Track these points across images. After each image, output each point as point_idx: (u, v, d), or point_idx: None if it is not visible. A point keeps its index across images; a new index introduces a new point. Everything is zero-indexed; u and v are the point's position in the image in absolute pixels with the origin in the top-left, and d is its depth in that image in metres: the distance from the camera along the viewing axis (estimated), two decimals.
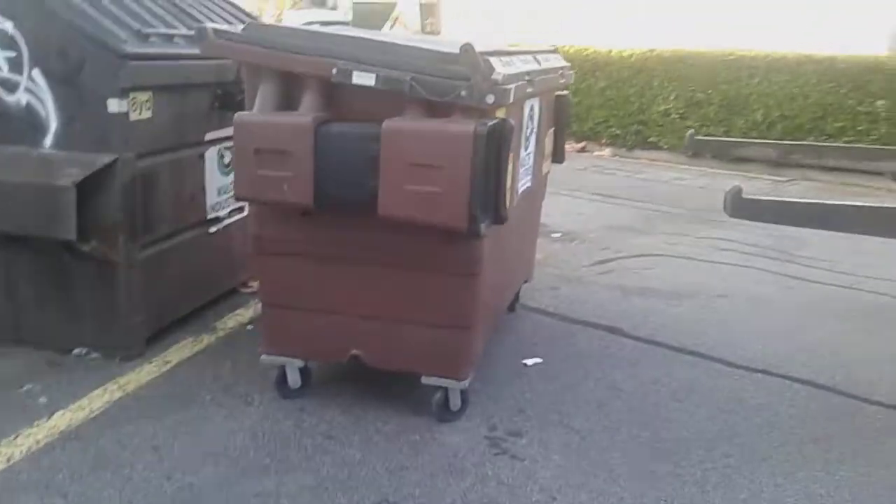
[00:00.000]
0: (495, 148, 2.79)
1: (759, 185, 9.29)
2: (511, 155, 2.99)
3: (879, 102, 9.49)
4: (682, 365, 3.87)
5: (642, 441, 3.13)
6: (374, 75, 2.83)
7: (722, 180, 9.53)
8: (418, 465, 2.89)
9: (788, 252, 6.15)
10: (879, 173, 7.26)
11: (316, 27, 3.37)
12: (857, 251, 6.04)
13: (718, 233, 6.80)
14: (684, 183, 9.37)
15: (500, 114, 2.92)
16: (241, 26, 3.20)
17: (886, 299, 5.05)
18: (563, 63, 4.30)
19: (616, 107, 11.46)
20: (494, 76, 2.75)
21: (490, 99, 2.73)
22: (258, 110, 2.98)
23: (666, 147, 11.13)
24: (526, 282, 4.48)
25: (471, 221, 2.76)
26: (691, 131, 4.41)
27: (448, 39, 4.01)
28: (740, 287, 5.23)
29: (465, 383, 3.18)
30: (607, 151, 11.32)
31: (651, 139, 11.26)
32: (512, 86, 2.88)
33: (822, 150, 5.80)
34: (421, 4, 17.71)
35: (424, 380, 3.17)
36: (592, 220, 6.93)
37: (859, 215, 3.26)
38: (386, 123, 2.79)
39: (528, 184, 3.76)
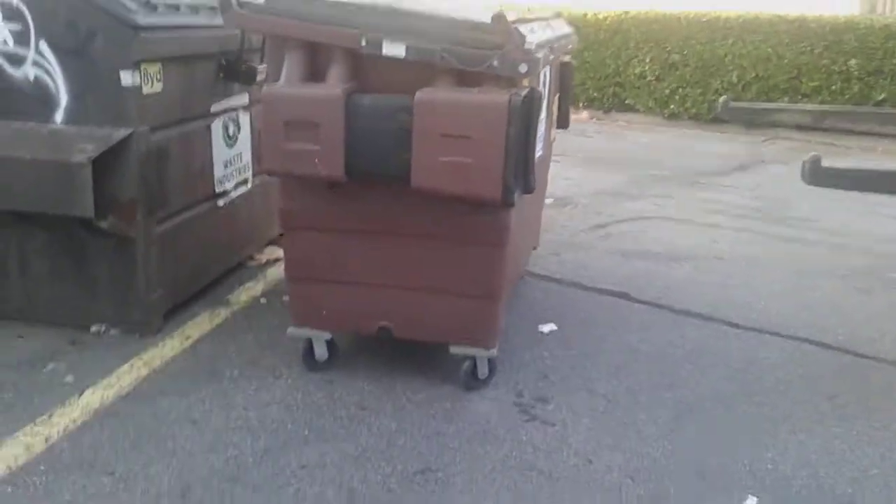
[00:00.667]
0: (527, 117, 2.82)
1: (735, 147, 9.46)
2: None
3: (852, 62, 9.66)
4: (692, 327, 3.98)
5: (665, 402, 3.22)
6: (404, 46, 2.82)
7: (700, 142, 9.72)
8: (454, 433, 2.96)
9: (777, 213, 6.29)
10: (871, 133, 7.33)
11: None
12: (842, 210, 6.21)
13: (705, 195, 6.93)
14: (664, 145, 9.48)
15: (526, 82, 2.95)
16: None
17: (876, 258, 5.20)
18: (569, 29, 4.32)
19: (592, 69, 11.50)
20: (527, 45, 2.77)
21: (523, 68, 2.75)
22: (285, 82, 2.96)
23: (642, 109, 11.23)
24: (534, 249, 4.54)
25: (505, 191, 2.79)
26: (724, 97, 4.40)
27: (459, 5, 3.99)
28: (735, 249, 5.35)
29: (494, 351, 3.24)
30: (585, 114, 11.37)
31: (628, 101, 11.34)
32: (541, 54, 2.90)
33: (856, 114, 5.90)
34: None
35: (453, 349, 3.23)
36: (581, 185, 7.00)
37: None
38: (418, 94, 2.79)
39: (541, 151, 3.79)
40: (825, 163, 3.11)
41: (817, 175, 3.15)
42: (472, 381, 3.27)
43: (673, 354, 3.66)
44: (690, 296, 4.39)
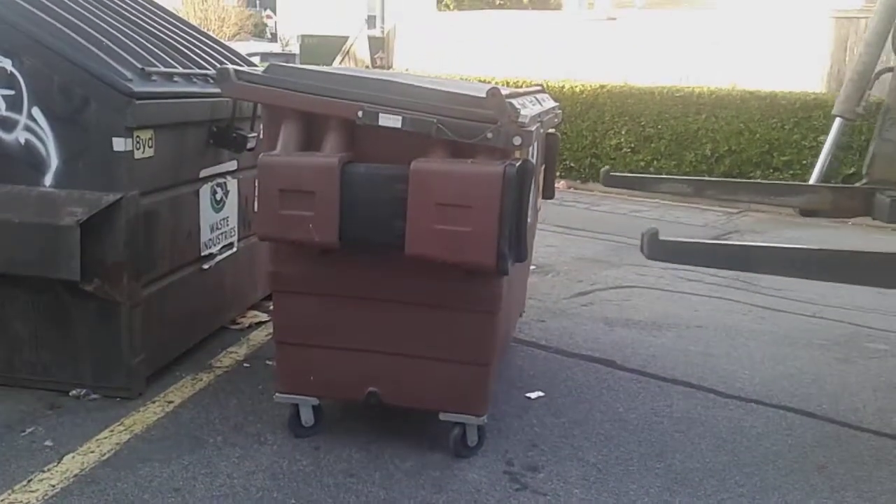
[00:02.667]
0: (520, 187, 2.87)
1: (710, 217, 9.63)
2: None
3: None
4: (678, 396, 3.99)
5: (656, 472, 3.21)
6: (400, 117, 2.88)
7: (675, 212, 9.86)
8: (444, 503, 2.91)
9: (752, 283, 6.37)
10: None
11: (337, 69, 3.40)
12: (816, 281, 6.30)
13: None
14: (641, 215, 9.62)
15: (518, 154, 3.01)
16: (261, 67, 3.21)
17: (853, 328, 5.28)
18: (555, 103, 4.42)
19: (570, 140, 11.71)
20: (521, 119, 2.84)
21: (517, 141, 2.81)
22: (282, 151, 3.00)
23: None
24: (520, 315, 4.56)
25: (499, 259, 2.82)
26: (605, 168, 4.62)
27: (452, 82, 4.08)
28: (714, 318, 5.40)
29: (483, 419, 3.22)
30: (562, 184, 11.53)
31: None
32: (534, 128, 2.98)
33: (735, 186, 6.04)
34: (370, 38, 17.89)
35: (442, 416, 3.20)
36: (562, 253, 7.07)
37: (772, 257, 3.31)
38: (414, 164, 2.84)
39: (529, 220, 3.84)
40: (662, 236, 3.15)
41: (654, 248, 3.18)
42: (462, 449, 3.23)
43: (661, 423, 3.66)
44: (675, 364, 4.41)
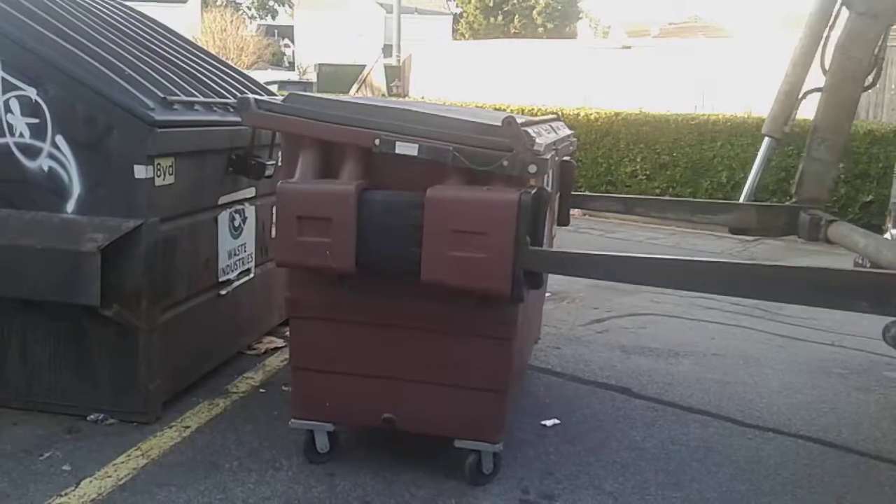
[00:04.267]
0: (535, 215, 2.89)
1: (727, 245, 9.59)
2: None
3: (841, 165, 9.92)
4: (695, 424, 3.96)
5: (673, 502, 3.18)
6: (416, 145, 2.92)
7: (691, 240, 9.85)
8: None
9: (769, 311, 6.34)
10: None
11: (353, 99, 3.45)
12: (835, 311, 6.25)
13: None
14: (657, 242, 9.63)
15: (533, 181, 3.03)
16: (280, 96, 3.26)
17: (873, 357, 5.23)
18: (570, 131, 4.46)
19: (585, 168, 11.75)
20: (536, 147, 2.87)
21: (533, 169, 2.84)
22: (300, 178, 3.04)
23: None
24: (535, 342, 4.56)
25: (514, 286, 2.84)
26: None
27: (468, 110, 4.13)
28: (731, 346, 5.38)
29: (499, 446, 3.21)
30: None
31: None
32: (549, 156, 3.00)
33: (664, 203, 6.06)
34: (386, 67, 18.08)
35: (458, 443, 3.20)
36: (577, 279, 7.02)
37: (636, 266, 3.24)
38: (430, 192, 2.87)
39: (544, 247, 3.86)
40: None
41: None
42: (477, 477, 3.22)
43: (678, 452, 3.64)
44: (692, 392, 4.39)
